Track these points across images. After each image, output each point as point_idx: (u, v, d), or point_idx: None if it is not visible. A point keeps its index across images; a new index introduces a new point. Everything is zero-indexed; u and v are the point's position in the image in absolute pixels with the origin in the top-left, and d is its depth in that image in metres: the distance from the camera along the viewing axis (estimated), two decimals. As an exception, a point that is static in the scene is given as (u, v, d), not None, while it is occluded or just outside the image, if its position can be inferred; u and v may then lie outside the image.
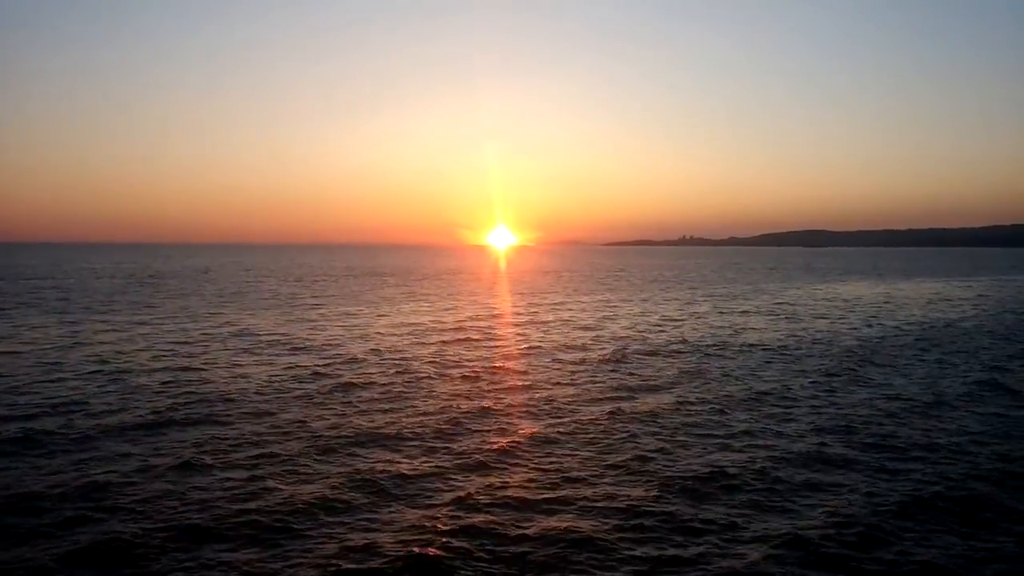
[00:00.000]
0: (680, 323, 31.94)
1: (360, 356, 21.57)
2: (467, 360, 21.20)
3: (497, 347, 24.14)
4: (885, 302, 44.34)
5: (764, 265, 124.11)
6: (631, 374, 19.24)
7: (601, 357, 21.90)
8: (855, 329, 29.81)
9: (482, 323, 31.32)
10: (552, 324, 31.08)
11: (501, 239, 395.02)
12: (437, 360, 21.12)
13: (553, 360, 21.38)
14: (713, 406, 15.38)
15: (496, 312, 36.77)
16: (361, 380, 17.80)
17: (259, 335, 26.28)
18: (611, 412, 14.61)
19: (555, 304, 41.78)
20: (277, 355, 21.80)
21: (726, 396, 16.50)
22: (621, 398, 16.23)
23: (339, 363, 20.29)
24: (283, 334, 26.58)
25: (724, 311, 37.91)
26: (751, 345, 24.83)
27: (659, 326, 30.75)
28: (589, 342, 25.30)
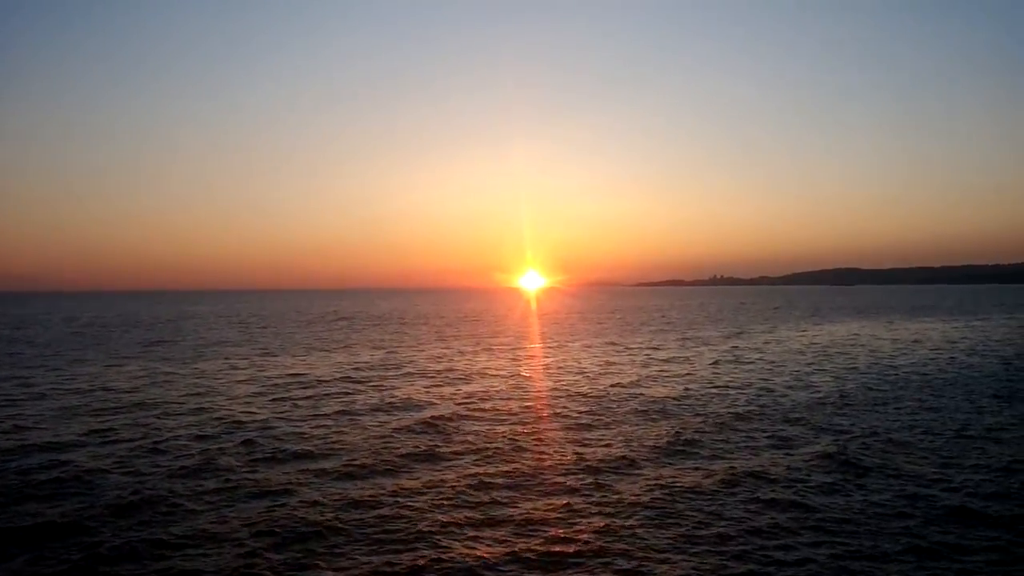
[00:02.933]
0: (615, 373, 32.79)
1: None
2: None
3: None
4: (851, 344, 44.56)
5: (770, 305, 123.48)
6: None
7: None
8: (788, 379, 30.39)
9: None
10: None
11: (532, 281, 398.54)
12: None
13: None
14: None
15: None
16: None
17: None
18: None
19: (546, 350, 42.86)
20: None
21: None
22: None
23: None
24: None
25: (667, 359, 38.53)
26: (654, 399, 25.64)
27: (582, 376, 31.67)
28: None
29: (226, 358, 37.23)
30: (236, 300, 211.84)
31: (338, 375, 29.87)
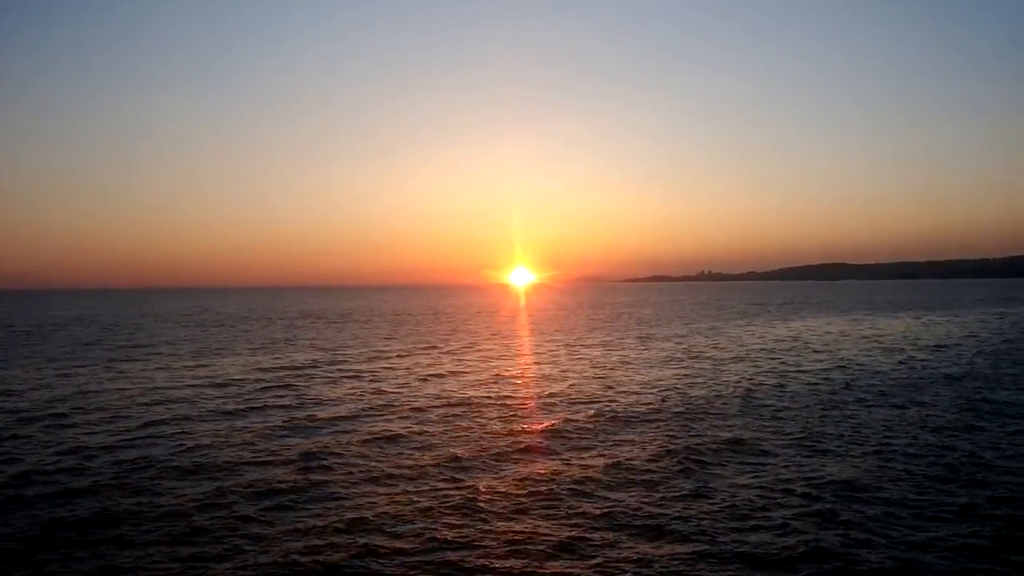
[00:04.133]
0: (546, 373, 32.22)
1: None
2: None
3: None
4: (793, 340, 44.17)
5: (745, 301, 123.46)
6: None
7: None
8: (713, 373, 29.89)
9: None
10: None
11: (521, 277, 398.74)
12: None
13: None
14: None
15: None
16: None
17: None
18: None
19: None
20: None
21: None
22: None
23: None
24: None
25: (616, 358, 37.99)
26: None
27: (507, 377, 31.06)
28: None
29: (147, 359, 36.32)
30: (218, 297, 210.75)
31: (252, 377, 29.08)
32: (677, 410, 20.96)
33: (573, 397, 23.56)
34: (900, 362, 32.39)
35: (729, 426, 18.58)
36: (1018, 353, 35.61)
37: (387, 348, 42.32)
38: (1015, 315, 69.66)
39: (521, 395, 24.22)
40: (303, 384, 27.06)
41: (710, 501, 12.43)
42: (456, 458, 15.56)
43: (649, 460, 15.18)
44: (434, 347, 42.72)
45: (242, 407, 22.02)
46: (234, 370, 31.59)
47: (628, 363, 33.44)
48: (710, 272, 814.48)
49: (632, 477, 13.96)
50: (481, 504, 12.35)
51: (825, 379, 27.18)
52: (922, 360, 33.02)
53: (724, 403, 22.07)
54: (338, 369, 31.86)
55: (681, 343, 43.99)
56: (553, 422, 19.34)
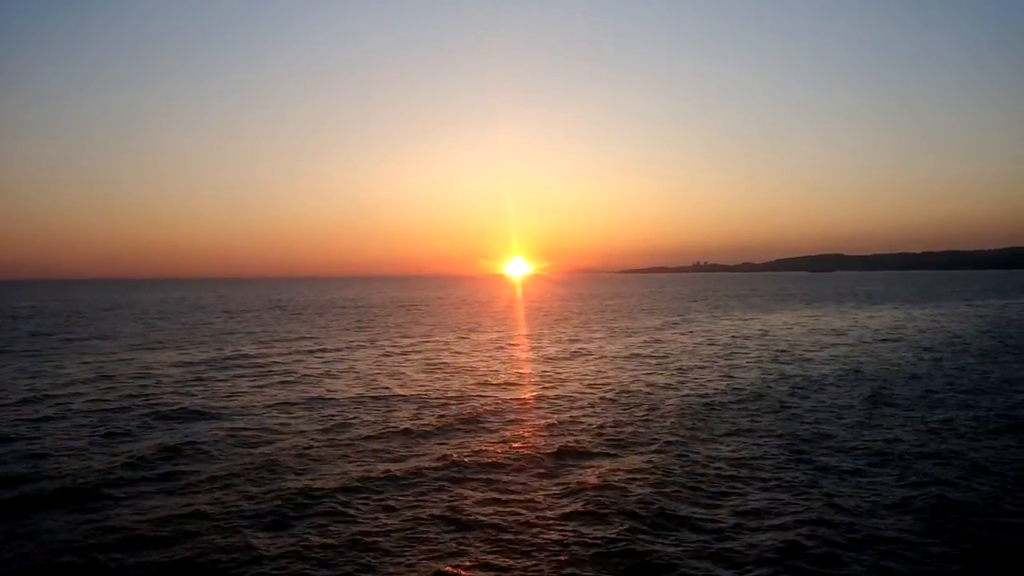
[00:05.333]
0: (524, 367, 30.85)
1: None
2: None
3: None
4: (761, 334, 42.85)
5: (729, 293, 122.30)
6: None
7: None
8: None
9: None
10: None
11: (517, 268, 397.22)
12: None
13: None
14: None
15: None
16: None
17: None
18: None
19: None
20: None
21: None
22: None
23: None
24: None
25: (570, 352, 36.71)
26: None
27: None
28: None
29: (79, 353, 34.96)
30: (204, 288, 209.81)
31: (158, 371, 27.68)
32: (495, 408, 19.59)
33: (431, 395, 22.17)
34: (831, 356, 31.14)
35: (612, 422, 17.21)
36: (953, 350, 34.30)
37: (330, 343, 40.91)
38: (991, 309, 68.45)
39: (399, 392, 22.80)
40: (195, 381, 25.62)
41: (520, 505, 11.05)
42: (306, 449, 14.17)
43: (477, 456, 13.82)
44: (372, 341, 41.34)
45: (114, 406, 20.60)
46: (153, 364, 30.17)
47: (550, 357, 32.11)
48: (706, 263, 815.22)
49: (466, 474, 12.61)
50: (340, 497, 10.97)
51: (725, 376, 25.84)
52: (853, 354, 31.68)
53: (628, 398, 20.72)
54: (256, 364, 30.42)
55: (632, 337, 42.66)
56: (399, 417, 17.97)
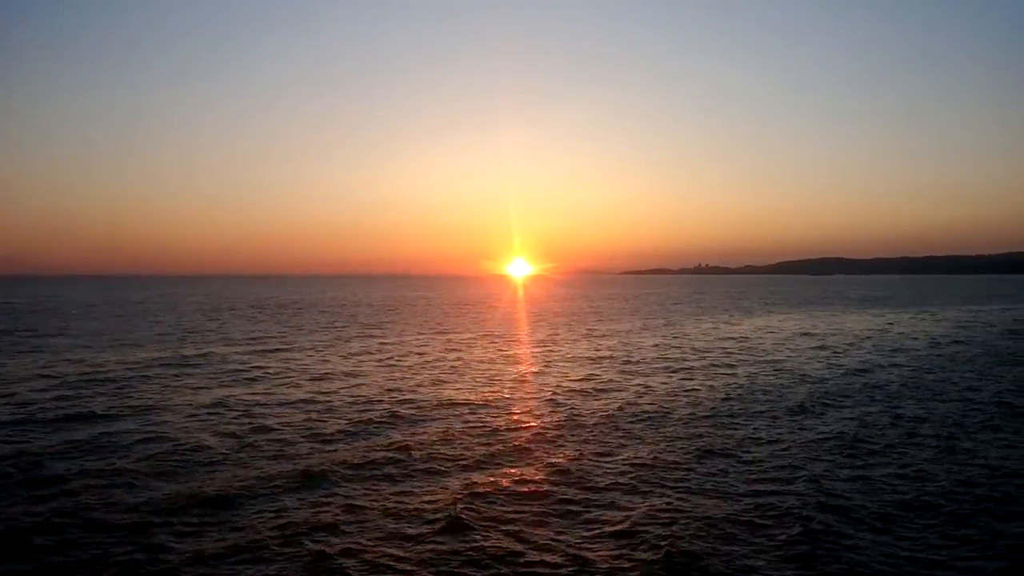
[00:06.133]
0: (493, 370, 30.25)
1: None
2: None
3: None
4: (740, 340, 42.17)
5: (723, 296, 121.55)
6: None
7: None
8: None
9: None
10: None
11: (519, 269, 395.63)
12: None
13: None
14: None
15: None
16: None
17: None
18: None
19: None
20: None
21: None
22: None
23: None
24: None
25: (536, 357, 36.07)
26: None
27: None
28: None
29: (32, 352, 34.45)
30: (197, 286, 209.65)
31: (106, 371, 27.11)
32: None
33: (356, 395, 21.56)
34: (784, 360, 30.47)
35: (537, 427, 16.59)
36: (924, 358, 33.61)
37: (294, 343, 40.35)
38: (982, 315, 67.68)
39: (334, 395, 22.19)
40: (136, 380, 25.04)
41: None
42: (207, 450, 13.58)
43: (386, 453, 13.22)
44: (339, 342, 40.77)
45: (37, 407, 20.02)
46: (101, 363, 29.62)
47: (500, 358, 31.50)
48: (708, 265, 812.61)
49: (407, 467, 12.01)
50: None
51: (683, 378, 25.19)
52: (809, 359, 31.01)
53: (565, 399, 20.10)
54: (206, 364, 29.85)
55: (605, 340, 42.04)
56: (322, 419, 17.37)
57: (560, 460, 14.84)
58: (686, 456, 15.23)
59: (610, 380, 26.01)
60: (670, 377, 26.88)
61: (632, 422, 18.76)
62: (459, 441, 16.57)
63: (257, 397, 22.22)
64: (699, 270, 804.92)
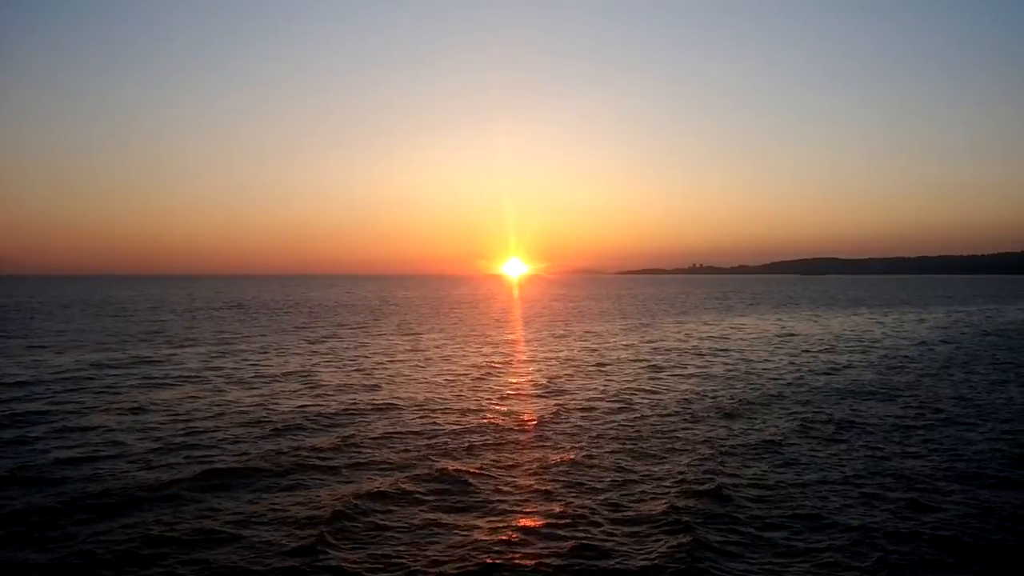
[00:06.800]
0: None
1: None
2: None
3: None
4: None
5: (710, 296, 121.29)
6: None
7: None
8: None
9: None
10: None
11: (514, 268, 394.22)
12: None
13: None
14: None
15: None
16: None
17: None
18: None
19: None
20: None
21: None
22: None
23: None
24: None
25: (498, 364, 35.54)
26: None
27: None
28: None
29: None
30: (184, 286, 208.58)
31: (48, 374, 26.49)
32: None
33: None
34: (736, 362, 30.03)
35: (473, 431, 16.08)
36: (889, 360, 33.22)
37: (249, 345, 39.75)
38: (964, 316, 67.43)
39: (267, 399, 21.64)
40: (69, 383, 24.43)
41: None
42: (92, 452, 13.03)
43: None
44: (296, 347, 40.17)
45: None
46: (44, 366, 28.98)
47: (449, 358, 30.99)
48: (702, 265, 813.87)
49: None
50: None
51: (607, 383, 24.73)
52: (766, 360, 30.60)
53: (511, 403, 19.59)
54: (151, 366, 29.24)
55: (575, 344, 41.55)
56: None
57: (460, 463, 14.33)
58: (597, 457, 14.74)
59: (556, 381, 25.53)
60: (610, 380, 26.41)
61: (561, 424, 18.27)
62: (361, 446, 16.04)
63: (184, 400, 21.64)
64: (693, 270, 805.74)
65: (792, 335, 44.70)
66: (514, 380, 25.97)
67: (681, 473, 13.70)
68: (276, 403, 21.04)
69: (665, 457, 15.02)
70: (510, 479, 13.41)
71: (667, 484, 13.02)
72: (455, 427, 17.92)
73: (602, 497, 12.31)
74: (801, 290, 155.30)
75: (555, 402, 21.37)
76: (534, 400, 21.87)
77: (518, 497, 12.35)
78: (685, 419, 18.91)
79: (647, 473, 13.82)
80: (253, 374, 27.16)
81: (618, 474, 13.76)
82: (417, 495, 12.42)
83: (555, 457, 14.94)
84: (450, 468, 13.96)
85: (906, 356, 33.18)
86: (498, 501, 12.12)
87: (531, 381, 25.62)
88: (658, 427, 17.92)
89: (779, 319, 60.66)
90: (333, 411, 19.87)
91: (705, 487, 12.67)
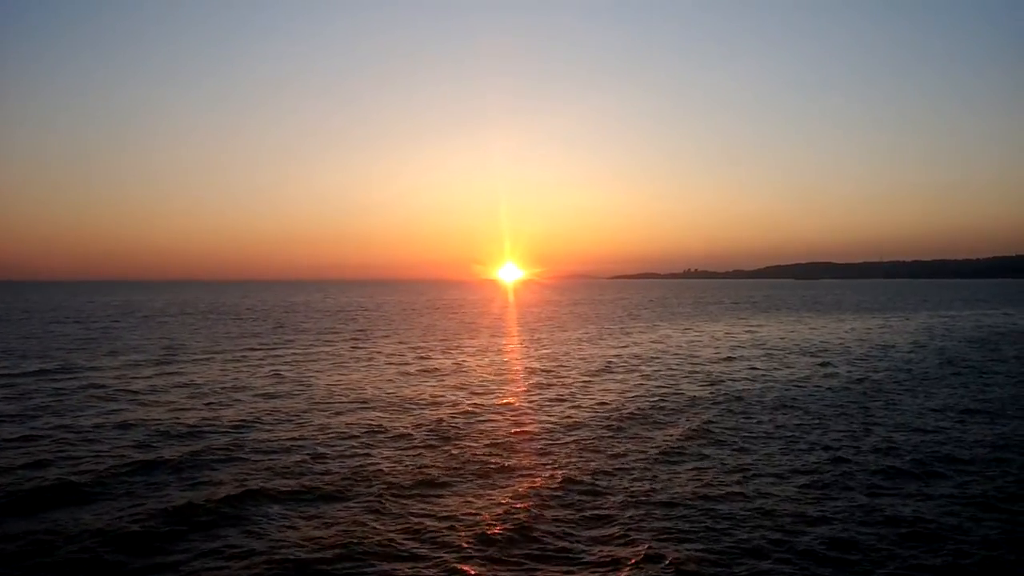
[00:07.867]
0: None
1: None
2: None
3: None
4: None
5: (697, 300, 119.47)
6: None
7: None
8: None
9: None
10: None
11: (509, 273, 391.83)
12: None
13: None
14: None
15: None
16: None
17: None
18: None
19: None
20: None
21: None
22: None
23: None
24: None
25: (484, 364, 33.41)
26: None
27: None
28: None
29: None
30: (173, 291, 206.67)
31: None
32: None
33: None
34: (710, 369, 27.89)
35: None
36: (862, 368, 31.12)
37: (191, 356, 37.49)
38: (951, 321, 65.57)
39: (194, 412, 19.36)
40: None
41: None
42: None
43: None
44: (245, 354, 37.92)
45: None
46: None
47: (417, 371, 28.77)
48: (696, 270, 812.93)
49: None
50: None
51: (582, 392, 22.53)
52: (743, 367, 28.48)
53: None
54: (72, 378, 26.95)
55: (541, 350, 39.40)
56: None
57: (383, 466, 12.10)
58: (522, 464, 12.54)
59: (511, 392, 23.32)
60: (567, 388, 24.24)
61: (502, 435, 16.15)
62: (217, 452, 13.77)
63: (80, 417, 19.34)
64: (687, 275, 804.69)
65: (761, 342, 42.56)
66: (472, 389, 23.73)
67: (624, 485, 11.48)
68: (163, 415, 18.76)
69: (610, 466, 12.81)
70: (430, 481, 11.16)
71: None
72: (395, 432, 15.66)
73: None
74: (792, 295, 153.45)
75: (500, 413, 19.15)
76: (480, 412, 19.63)
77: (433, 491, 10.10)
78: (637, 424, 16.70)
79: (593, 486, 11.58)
80: (152, 387, 24.87)
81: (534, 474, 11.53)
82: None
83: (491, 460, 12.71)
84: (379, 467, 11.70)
85: (861, 360, 31.10)
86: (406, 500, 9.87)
87: (484, 391, 23.39)
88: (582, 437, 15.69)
89: (761, 325, 58.63)
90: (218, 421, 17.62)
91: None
